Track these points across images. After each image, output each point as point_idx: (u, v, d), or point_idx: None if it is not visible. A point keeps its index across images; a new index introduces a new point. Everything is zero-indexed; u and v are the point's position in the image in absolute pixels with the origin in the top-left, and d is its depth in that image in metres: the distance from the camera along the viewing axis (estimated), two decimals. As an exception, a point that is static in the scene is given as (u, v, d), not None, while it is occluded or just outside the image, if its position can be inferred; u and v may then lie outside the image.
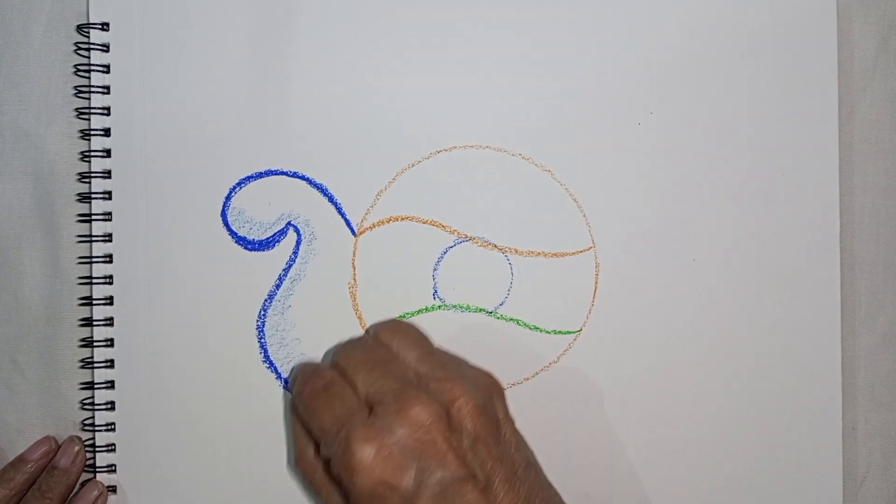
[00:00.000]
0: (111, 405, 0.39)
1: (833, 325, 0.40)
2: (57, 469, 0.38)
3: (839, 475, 0.40)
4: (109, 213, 0.40)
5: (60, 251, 0.40)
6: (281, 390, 0.40)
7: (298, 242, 0.40)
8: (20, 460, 0.39)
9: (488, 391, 0.34)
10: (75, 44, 0.40)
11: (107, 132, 0.40)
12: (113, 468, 0.39)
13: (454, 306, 0.40)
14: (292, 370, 0.39)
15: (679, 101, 0.40)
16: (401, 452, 0.31)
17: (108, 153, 0.40)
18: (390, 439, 0.31)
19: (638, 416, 0.40)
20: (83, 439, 0.40)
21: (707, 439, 0.40)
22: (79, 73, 0.40)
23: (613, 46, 0.40)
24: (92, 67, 0.40)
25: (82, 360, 0.40)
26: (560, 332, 0.40)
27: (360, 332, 0.40)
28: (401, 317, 0.40)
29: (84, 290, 0.40)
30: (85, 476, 0.39)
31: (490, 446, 0.32)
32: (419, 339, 0.35)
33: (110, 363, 0.39)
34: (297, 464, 0.35)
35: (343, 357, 0.35)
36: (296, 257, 0.40)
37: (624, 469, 0.40)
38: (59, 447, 0.39)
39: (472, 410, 0.32)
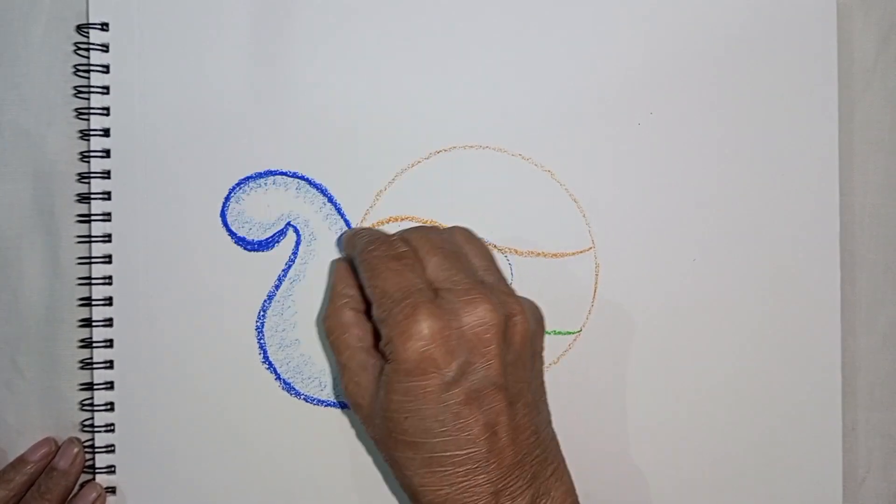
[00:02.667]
0: (111, 406, 0.39)
1: (833, 325, 0.40)
2: (56, 470, 0.38)
3: (839, 475, 0.40)
4: (109, 214, 0.40)
5: (60, 251, 0.40)
6: (281, 391, 0.40)
7: (298, 243, 0.40)
8: (20, 461, 0.39)
9: (538, 321, 0.35)
10: (75, 44, 0.40)
11: (106, 132, 0.40)
12: (112, 469, 0.39)
13: (454, 306, 0.40)
14: (349, 231, 0.39)
15: (679, 101, 0.40)
16: (458, 339, 0.31)
17: (107, 153, 0.40)
18: (453, 322, 0.32)
19: (638, 416, 0.40)
20: (82, 440, 0.40)
21: (707, 439, 0.40)
22: (78, 73, 0.40)
23: (613, 46, 0.40)
24: (91, 68, 0.40)
25: (82, 361, 0.40)
26: (560, 333, 0.40)
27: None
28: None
29: (84, 291, 0.40)
30: (84, 477, 0.39)
31: (526, 369, 0.33)
32: (488, 252, 0.36)
33: (110, 364, 0.39)
34: (328, 319, 0.36)
35: (418, 237, 0.35)
36: (295, 258, 0.40)
37: (624, 469, 0.40)
38: (59, 448, 0.39)
39: (524, 331, 0.33)
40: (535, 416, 0.33)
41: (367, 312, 0.35)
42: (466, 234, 0.37)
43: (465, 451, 0.31)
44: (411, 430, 0.32)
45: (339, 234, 0.40)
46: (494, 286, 0.34)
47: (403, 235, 0.35)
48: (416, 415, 0.32)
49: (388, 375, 0.32)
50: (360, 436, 0.40)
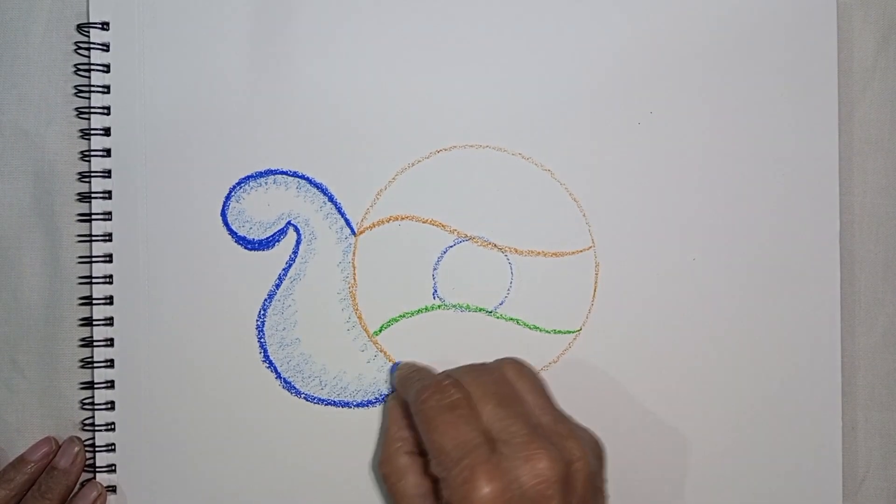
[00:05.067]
0: (111, 405, 0.39)
1: (833, 325, 0.40)
2: (57, 469, 0.38)
3: (839, 475, 0.40)
4: (109, 213, 0.40)
5: (60, 251, 0.40)
6: (281, 390, 0.40)
7: (298, 242, 0.40)
8: (20, 461, 0.39)
9: (598, 458, 0.34)
10: (75, 43, 0.40)
11: (107, 131, 0.40)
12: (113, 468, 0.39)
13: (454, 306, 0.40)
14: (400, 366, 0.39)
15: (679, 101, 0.40)
16: (520, 499, 0.31)
17: (108, 153, 0.40)
18: (514, 483, 0.31)
19: (637, 415, 0.40)
20: (83, 439, 0.40)
21: (707, 439, 0.40)
22: (79, 72, 0.40)
23: (613, 46, 0.40)
24: (92, 67, 0.40)
25: (82, 360, 0.40)
26: (560, 332, 0.40)
27: (360, 332, 0.40)
28: (401, 317, 0.40)
29: (84, 290, 0.40)
30: (85, 476, 0.39)
31: None
32: (541, 386, 0.35)
33: (110, 363, 0.39)
34: (383, 465, 0.35)
35: (470, 382, 0.34)
36: (296, 257, 0.40)
37: (624, 468, 0.40)
38: (59, 448, 0.39)
39: (586, 476, 0.32)
40: None
41: (422, 453, 0.35)
42: (517, 368, 0.36)
43: None
44: None
45: (391, 368, 0.40)
46: (552, 430, 0.33)
47: (456, 378, 0.34)
48: None
49: None
50: (359, 435, 0.40)
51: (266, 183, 0.40)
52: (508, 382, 0.35)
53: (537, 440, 0.32)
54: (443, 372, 0.36)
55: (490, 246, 0.40)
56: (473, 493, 0.30)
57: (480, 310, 0.40)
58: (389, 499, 0.35)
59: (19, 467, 0.39)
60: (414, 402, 0.34)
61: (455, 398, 0.33)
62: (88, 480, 0.39)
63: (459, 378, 0.34)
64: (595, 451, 0.34)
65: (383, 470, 0.35)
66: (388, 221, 0.40)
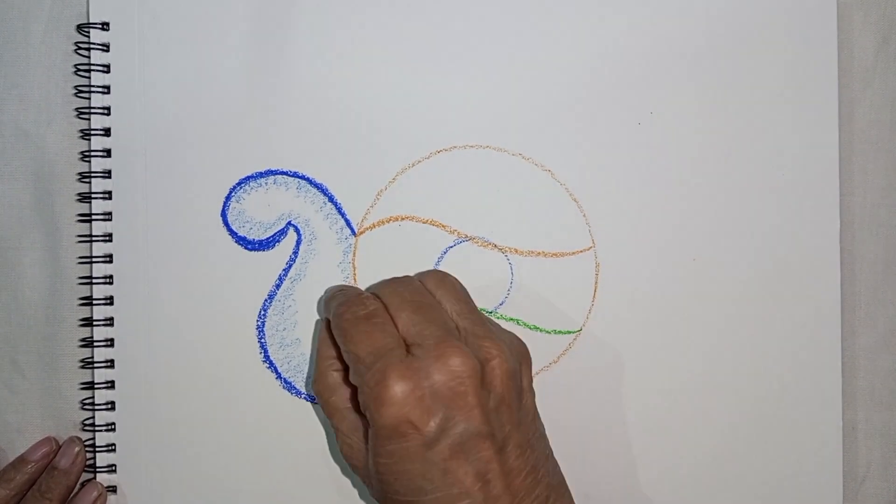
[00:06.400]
0: (111, 405, 0.39)
1: (833, 325, 0.40)
2: (57, 470, 0.38)
3: (839, 475, 0.40)
4: (110, 213, 0.40)
5: (60, 251, 0.40)
6: (281, 390, 0.40)
7: (299, 242, 0.40)
8: (21, 461, 0.39)
9: (519, 358, 0.34)
10: (75, 43, 0.40)
11: (107, 132, 0.40)
12: (113, 468, 0.39)
13: (454, 306, 0.40)
14: (328, 290, 0.39)
15: (679, 101, 0.40)
16: (432, 396, 0.31)
17: (108, 153, 0.40)
18: (425, 382, 0.31)
19: (637, 415, 0.40)
20: (83, 439, 0.40)
21: (707, 439, 0.40)
22: (79, 72, 0.40)
23: (613, 46, 0.40)
24: (92, 67, 0.40)
25: (82, 360, 0.40)
26: (560, 332, 0.40)
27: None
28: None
29: (84, 290, 0.40)
30: (85, 476, 0.40)
31: (512, 411, 0.33)
32: (463, 294, 0.36)
33: (110, 363, 0.39)
34: (315, 383, 0.36)
35: (388, 293, 0.35)
36: (296, 257, 0.40)
37: (624, 469, 0.40)
38: (60, 448, 0.39)
39: (504, 373, 0.32)
40: (529, 456, 0.33)
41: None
42: (438, 277, 0.36)
43: None
44: (403, 490, 0.32)
45: (322, 293, 0.40)
46: (469, 331, 0.34)
47: (375, 291, 0.35)
48: (404, 476, 0.31)
49: (371, 440, 0.32)
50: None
51: (266, 183, 0.40)
52: (427, 291, 0.35)
53: (450, 340, 0.32)
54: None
55: (490, 246, 0.40)
56: (385, 393, 0.31)
57: (481, 310, 0.40)
58: (323, 412, 0.36)
59: (19, 467, 0.39)
60: (333, 317, 0.35)
61: (371, 309, 0.34)
62: (89, 480, 0.39)
63: (377, 290, 0.35)
64: (516, 352, 0.34)
65: (315, 388, 0.36)
66: (388, 222, 0.40)
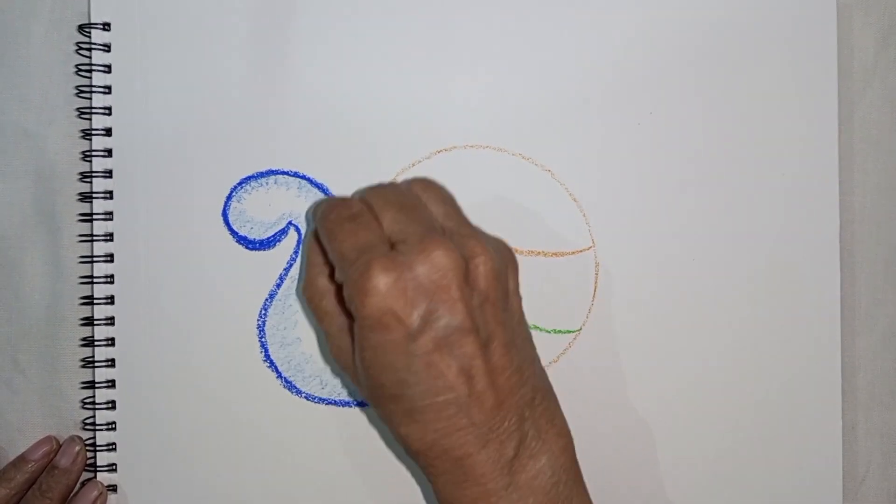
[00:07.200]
0: (112, 404, 0.40)
1: (833, 325, 0.40)
2: (57, 469, 0.39)
3: (839, 475, 0.40)
4: (111, 213, 0.40)
5: (62, 250, 0.40)
6: (282, 389, 0.40)
7: (299, 242, 0.40)
8: (21, 460, 0.39)
9: (505, 260, 0.34)
10: (77, 43, 0.40)
11: (108, 132, 0.40)
12: (113, 467, 0.40)
13: (454, 306, 0.40)
14: (316, 202, 0.39)
15: (679, 101, 0.40)
16: (415, 289, 0.31)
17: (109, 153, 0.40)
18: (408, 274, 0.31)
19: (637, 415, 0.40)
20: (84, 438, 0.40)
21: (707, 439, 0.40)
22: (80, 72, 0.40)
23: (613, 46, 0.40)
24: (93, 67, 0.40)
25: (83, 360, 0.40)
26: (560, 332, 0.40)
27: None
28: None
29: (85, 290, 0.40)
30: (85, 475, 0.40)
31: (497, 310, 0.33)
32: (449, 197, 0.36)
33: (111, 362, 0.40)
34: (305, 289, 0.36)
35: (373, 194, 0.35)
36: (297, 257, 0.40)
37: (624, 468, 0.40)
38: (60, 447, 0.39)
39: (488, 271, 0.32)
40: (514, 356, 0.33)
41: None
42: (425, 183, 0.36)
43: (443, 398, 0.31)
44: (388, 384, 0.32)
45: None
46: (454, 230, 0.34)
47: (362, 194, 0.35)
48: (388, 368, 0.32)
49: (356, 333, 0.32)
50: (360, 434, 0.40)
51: (267, 183, 0.40)
52: (413, 194, 0.35)
53: (434, 235, 0.32)
54: None
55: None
56: (368, 284, 0.31)
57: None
58: (315, 320, 0.36)
59: (20, 466, 0.39)
60: (318, 219, 0.35)
61: (356, 209, 0.34)
62: (89, 480, 0.40)
63: (362, 194, 0.35)
64: (501, 253, 0.34)
65: (306, 293, 0.36)
66: (388, 221, 0.40)
